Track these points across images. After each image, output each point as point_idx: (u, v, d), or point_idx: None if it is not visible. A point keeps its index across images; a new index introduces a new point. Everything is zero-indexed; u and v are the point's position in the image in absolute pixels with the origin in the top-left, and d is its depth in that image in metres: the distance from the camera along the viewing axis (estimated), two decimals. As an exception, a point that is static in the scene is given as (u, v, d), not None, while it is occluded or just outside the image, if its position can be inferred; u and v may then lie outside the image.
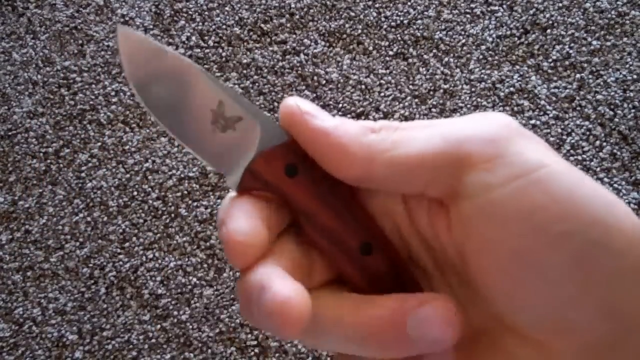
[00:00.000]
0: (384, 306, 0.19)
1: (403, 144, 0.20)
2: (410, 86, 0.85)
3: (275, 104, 0.85)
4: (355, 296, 0.20)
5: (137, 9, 0.92)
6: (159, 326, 0.77)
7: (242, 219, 0.20)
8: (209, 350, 0.76)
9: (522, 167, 0.18)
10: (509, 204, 0.18)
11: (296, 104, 0.20)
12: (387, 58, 0.87)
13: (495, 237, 0.18)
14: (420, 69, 0.86)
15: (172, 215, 0.81)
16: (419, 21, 0.88)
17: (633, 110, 0.82)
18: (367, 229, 0.21)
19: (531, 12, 0.88)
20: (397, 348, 0.19)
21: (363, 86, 0.85)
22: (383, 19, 0.89)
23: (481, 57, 0.86)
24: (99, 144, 0.85)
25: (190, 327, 0.77)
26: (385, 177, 0.20)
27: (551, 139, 0.81)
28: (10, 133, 0.87)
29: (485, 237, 0.19)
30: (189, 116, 0.21)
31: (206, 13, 0.91)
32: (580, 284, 0.18)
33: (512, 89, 0.84)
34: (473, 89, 0.84)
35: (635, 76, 0.84)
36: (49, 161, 0.85)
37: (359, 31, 0.88)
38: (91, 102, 0.87)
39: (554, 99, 0.83)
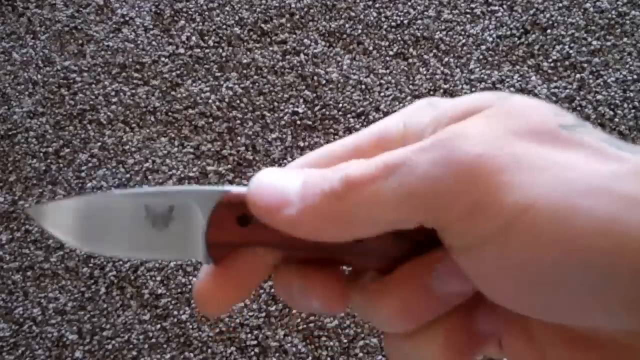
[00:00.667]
0: (402, 284, 0.19)
1: (371, 205, 0.18)
2: (410, 86, 0.85)
3: (275, 103, 0.85)
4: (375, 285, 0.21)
5: (137, 9, 0.92)
6: (159, 326, 0.77)
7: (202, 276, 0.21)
8: (209, 350, 0.76)
9: (502, 219, 0.16)
10: (495, 261, 0.17)
11: (253, 201, 0.20)
12: (387, 58, 0.87)
13: (489, 289, 0.18)
14: (420, 69, 0.86)
15: (172, 215, 0.81)
16: (419, 21, 0.88)
17: (633, 111, 0.82)
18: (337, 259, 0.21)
19: (531, 12, 0.88)
20: (428, 309, 0.19)
21: (363, 86, 0.85)
22: (383, 19, 0.89)
23: (481, 57, 0.86)
24: (99, 143, 0.85)
25: (190, 326, 0.77)
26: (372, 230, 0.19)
27: (551, 139, 0.81)
28: (10, 133, 0.87)
29: (479, 285, 0.18)
30: (134, 234, 0.22)
31: (206, 13, 0.91)
32: (597, 289, 0.16)
33: (512, 89, 0.84)
34: (473, 89, 0.84)
35: (635, 76, 0.84)
36: (49, 161, 0.85)
37: (359, 31, 0.88)
38: (91, 102, 0.87)
39: (554, 99, 0.83)
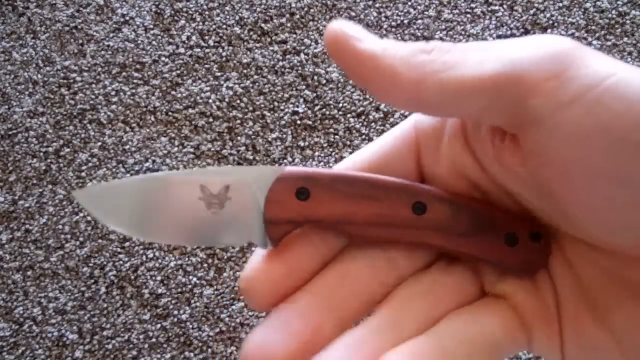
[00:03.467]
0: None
1: (455, 66, 0.18)
2: (411, 86, 0.85)
3: (275, 103, 0.85)
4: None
5: (137, 8, 0.92)
6: (159, 325, 0.77)
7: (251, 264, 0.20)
8: (209, 350, 0.76)
9: (591, 79, 0.17)
10: (584, 119, 0.17)
11: (340, 28, 0.19)
12: (387, 58, 0.87)
13: (577, 157, 0.17)
14: (421, 69, 0.86)
15: (172, 214, 0.81)
16: (419, 21, 0.88)
17: (633, 110, 0.82)
18: (409, 191, 0.21)
19: (531, 12, 0.88)
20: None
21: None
22: (383, 18, 0.89)
23: (481, 56, 0.86)
24: (99, 143, 0.85)
25: (191, 326, 0.77)
26: (436, 101, 0.19)
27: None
28: (10, 132, 0.87)
29: (566, 159, 0.17)
30: (190, 218, 0.21)
31: (206, 13, 0.91)
32: None
33: (512, 88, 0.84)
34: (473, 89, 0.84)
35: (635, 76, 0.84)
36: (49, 161, 0.85)
37: (359, 31, 0.89)
38: (91, 102, 0.87)
39: (554, 98, 0.83)
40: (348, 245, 0.22)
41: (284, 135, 0.84)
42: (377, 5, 0.90)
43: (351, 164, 0.22)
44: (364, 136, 0.83)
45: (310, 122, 0.84)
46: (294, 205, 0.20)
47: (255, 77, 0.87)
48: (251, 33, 0.89)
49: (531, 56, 0.18)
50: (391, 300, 0.21)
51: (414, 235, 0.21)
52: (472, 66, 0.18)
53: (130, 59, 0.89)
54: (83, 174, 0.84)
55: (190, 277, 0.79)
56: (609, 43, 0.86)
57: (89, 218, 0.82)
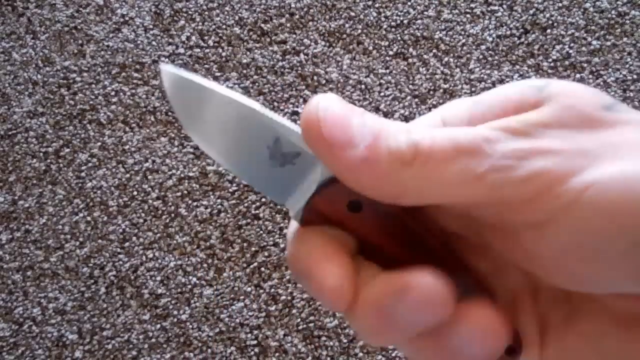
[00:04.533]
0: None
1: (436, 180, 0.18)
2: (410, 86, 0.85)
3: (275, 103, 0.85)
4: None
5: (137, 9, 0.92)
6: (158, 326, 0.77)
7: (328, 269, 0.19)
8: (209, 350, 0.76)
9: (563, 199, 0.18)
10: (559, 235, 0.18)
11: (316, 127, 0.19)
12: (387, 58, 0.87)
13: (557, 264, 0.18)
14: (420, 69, 0.86)
15: (172, 215, 0.81)
16: (419, 21, 0.88)
17: (633, 110, 0.82)
18: (437, 258, 0.21)
19: (531, 12, 0.88)
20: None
21: (363, 86, 0.85)
22: (383, 18, 0.89)
23: (481, 57, 0.86)
24: (99, 143, 0.85)
25: (190, 326, 0.77)
26: (425, 202, 0.19)
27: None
28: (10, 133, 0.87)
29: (548, 264, 0.18)
30: (246, 153, 0.21)
31: (206, 13, 0.91)
32: None
33: (512, 88, 0.84)
34: (473, 89, 0.84)
35: (635, 76, 0.84)
36: (49, 161, 0.85)
37: (359, 31, 0.88)
38: (91, 102, 0.87)
39: (553, 98, 0.83)
40: None
41: (284, 136, 0.84)
42: (377, 5, 0.90)
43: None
44: (363, 136, 0.83)
45: (310, 122, 0.84)
46: (341, 211, 0.20)
47: (255, 77, 0.87)
48: (251, 33, 0.89)
49: (516, 181, 0.18)
50: None
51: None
52: (454, 190, 0.18)
53: (130, 59, 0.89)
54: (83, 174, 0.84)
55: (190, 277, 0.79)
56: (608, 43, 0.86)
57: (88, 218, 0.82)
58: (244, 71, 0.87)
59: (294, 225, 0.21)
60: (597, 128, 0.19)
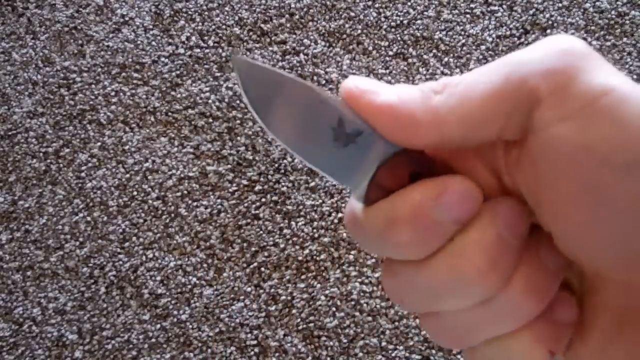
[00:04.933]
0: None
1: (468, 98, 0.19)
2: (410, 86, 0.85)
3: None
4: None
5: (137, 9, 0.92)
6: (158, 326, 0.77)
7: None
8: (209, 350, 0.76)
9: (586, 97, 0.18)
10: (574, 137, 0.18)
11: (354, 84, 0.21)
12: (387, 58, 0.87)
13: (564, 172, 0.18)
14: (420, 69, 0.86)
15: (172, 215, 0.81)
16: (419, 21, 0.88)
17: (633, 110, 0.82)
18: None
19: (531, 12, 0.88)
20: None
21: (363, 86, 0.85)
22: (383, 19, 0.89)
23: (481, 57, 0.86)
24: (99, 144, 0.85)
25: (190, 326, 0.77)
26: (458, 136, 0.20)
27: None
28: (10, 133, 0.87)
29: (554, 172, 0.18)
30: (312, 136, 0.22)
31: (206, 13, 0.91)
32: None
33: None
34: (473, 89, 0.85)
35: (635, 76, 0.84)
36: (49, 161, 0.85)
37: (359, 31, 0.89)
38: (91, 102, 0.87)
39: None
40: None
41: (284, 136, 0.84)
42: (377, 5, 0.90)
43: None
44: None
45: (309, 123, 0.84)
46: (404, 183, 0.21)
47: (255, 77, 0.87)
48: (251, 33, 0.89)
49: (536, 72, 0.19)
50: None
51: None
52: (483, 94, 0.19)
53: (130, 60, 0.89)
54: (83, 174, 0.84)
55: (190, 277, 0.79)
56: (608, 43, 0.86)
57: (88, 218, 0.82)
58: (244, 71, 0.87)
59: (356, 205, 0.22)
60: None
